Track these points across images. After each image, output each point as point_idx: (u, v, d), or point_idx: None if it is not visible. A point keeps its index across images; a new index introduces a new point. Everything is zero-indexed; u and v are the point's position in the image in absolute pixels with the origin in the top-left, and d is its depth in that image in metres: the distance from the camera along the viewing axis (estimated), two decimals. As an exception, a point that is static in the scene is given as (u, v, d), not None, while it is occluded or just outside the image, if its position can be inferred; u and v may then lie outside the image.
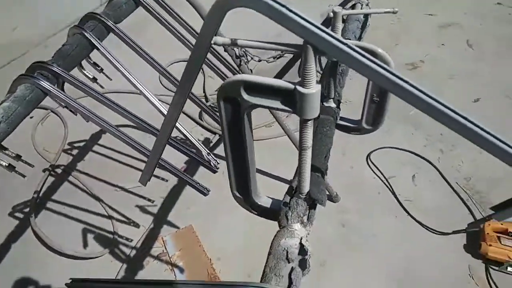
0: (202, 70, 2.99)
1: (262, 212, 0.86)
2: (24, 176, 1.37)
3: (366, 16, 1.28)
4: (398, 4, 1.35)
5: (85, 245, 2.19)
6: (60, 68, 1.10)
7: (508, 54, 3.07)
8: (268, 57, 1.78)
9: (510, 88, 2.77)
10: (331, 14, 0.92)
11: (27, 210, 2.32)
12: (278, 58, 1.74)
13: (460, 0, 3.64)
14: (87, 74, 1.45)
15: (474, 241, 2.06)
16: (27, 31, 3.91)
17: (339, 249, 2.08)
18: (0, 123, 0.95)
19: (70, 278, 0.90)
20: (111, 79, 1.56)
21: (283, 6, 0.53)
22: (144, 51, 1.40)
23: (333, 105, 0.98)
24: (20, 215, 2.32)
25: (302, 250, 0.73)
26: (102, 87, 1.54)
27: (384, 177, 2.41)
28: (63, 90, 1.33)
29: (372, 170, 2.46)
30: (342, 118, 1.00)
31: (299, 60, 0.60)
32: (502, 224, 2.06)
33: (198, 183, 1.26)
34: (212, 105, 2.87)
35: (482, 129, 0.59)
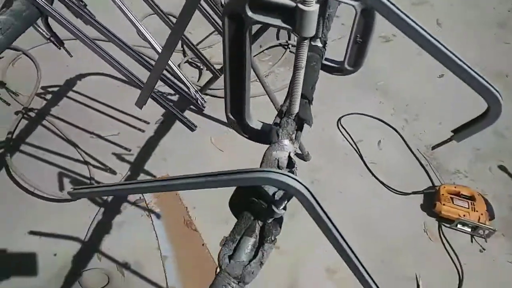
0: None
1: (253, 134, 0.95)
2: (8, 104, 1.39)
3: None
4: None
5: (61, 188, 2.21)
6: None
7: (473, 35, 3.27)
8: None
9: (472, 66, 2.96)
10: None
11: (0, 151, 2.30)
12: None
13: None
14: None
15: (430, 201, 2.26)
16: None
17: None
18: (-1, 37, 0.96)
19: (72, 188, 0.95)
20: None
21: None
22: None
23: (319, 44, 1.07)
24: (-7, 157, 2.30)
25: (290, 163, 0.83)
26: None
27: (353, 141, 2.55)
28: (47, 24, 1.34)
29: (342, 133, 2.60)
30: (326, 59, 1.09)
31: None
32: (455, 187, 2.27)
33: (186, 118, 1.32)
34: (190, 60, 2.90)
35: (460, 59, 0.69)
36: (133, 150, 2.42)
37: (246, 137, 0.97)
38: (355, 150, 2.51)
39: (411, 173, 2.42)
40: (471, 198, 2.20)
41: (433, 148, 0.99)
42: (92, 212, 2.15)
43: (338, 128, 2.63)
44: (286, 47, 3.10)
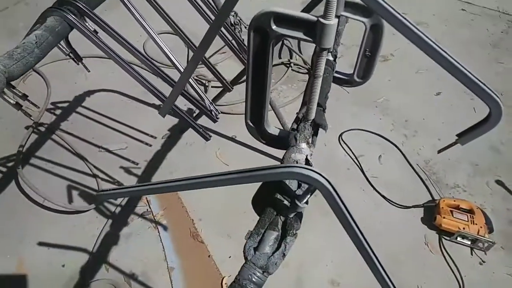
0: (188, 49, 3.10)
1: (270, 140, 1.02)
2: (30, 116, 1.45)
3: None
4: None
5: (70, 201, 2.25)
6: (85, 5, 1.19)
7: (467, 55, 3.40)
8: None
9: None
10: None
11: (11, 164, 2.34)
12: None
13: (429, 3, 3.96)
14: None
15: (430, 214, 2.32)
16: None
17: (313, 213, 2.27)
18: (34, 49, 1.04)
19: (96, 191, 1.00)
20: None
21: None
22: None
23: (331, 58, 1.15)
24: (4, 169, 2.34)
25: (308, 164, 0.89)
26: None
27: (354, 155, 2.62)
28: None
29: (343, 148, 2.67)
30: (337, 72, 1.17)
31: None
32: (454, 201, 2.33)
33: (202, 128, 1.39)
34: (195, 77, 2.99)
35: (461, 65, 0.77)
36: (141, 163, 2.47)
37: (263, 143, 1.04)
38: (357, 165, 2.58)
39: (411, 187, 2.49)
40: (470, 211, 2.25)
41: (439, 151, 1.06)
42: (100, 224, 2.19)
43: (340, 143, 2.70)
44: (288, 65, 3.20)
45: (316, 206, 2.27)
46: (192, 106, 2.61)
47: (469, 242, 2.19)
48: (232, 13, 2.05)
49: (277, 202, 0.80)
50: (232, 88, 1.65)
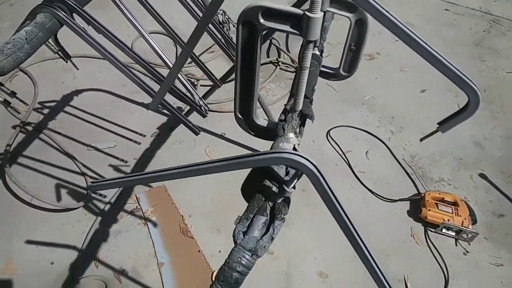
0: (176, 46, 3.12)
1: (259, 132, 1.05)
2: (19, 112, 1.45)
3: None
4: None
5: (59, 199, 2.25)
6: (74, 3, 1.21)
7: (451, 53, 3.48)
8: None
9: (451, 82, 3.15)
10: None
11: (-3, 163, 2.33)
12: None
13: (413, 3, 4.04)
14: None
15: (416, 207, 2.37)
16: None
17: (301, 208, 2.31)
18: (24, 45, 1.05)
19: (90, 181, 1.02)
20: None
21: None
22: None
23: (317, 52, 1.18)
24: (-10, 168, 2.33)
25: (295, 154, 0.92)
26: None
27: (342, 151, 2.67)
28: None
29: (331, 144, 2.71)
30: (323, 66, 1.20)
31: None
32: (439, 194, 2.39)
33: (191, 123, 1.41)
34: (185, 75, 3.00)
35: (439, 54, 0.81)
36: (130, 161, 2.48)
37: (252, 135, 1.06)
38: (344, 160, 2.62)
39: (398, 181, 2.54)
40: (455, 204, 2.31)
41: (421, 139, 1.10)
42: (89, 221, 2.19)
43: (328, 140, 2.74)
44: (276, 64, 3.24)
45: (304, 201, 2.32)
46: (181, 104, 2.64)
47: (453, 233, 2.25)
48: (221, 12, 2.07)
49: (265, 189, 0.82)
50: (221, 84, 1.67)
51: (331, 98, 3.02)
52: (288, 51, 3.28)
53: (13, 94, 1.44)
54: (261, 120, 1.03)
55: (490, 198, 2.46)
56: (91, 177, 2.37)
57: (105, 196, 2.29)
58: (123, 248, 2.11)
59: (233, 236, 0.79)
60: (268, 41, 3.33)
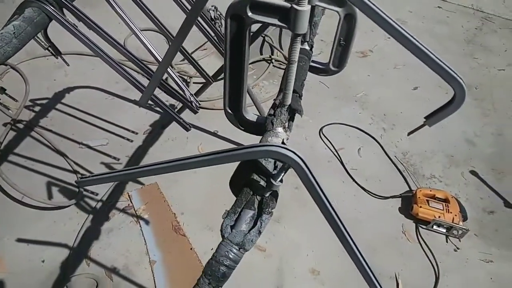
0: (168, 43, 3.10)
1: (248, 126, 1.04)
2: (8, 108, 1.44)
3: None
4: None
5: (50, 197, 2.23)
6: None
7: (443, 50, 3.50)
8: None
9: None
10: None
11: (-13, 161, 2.31)
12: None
13: (406, 1, 4.06)
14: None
15: (407, 204, 2.39)
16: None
17: (293, 206, 2.31)
18: (12, 39, 1.04)
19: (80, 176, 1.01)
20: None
21: None
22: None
23: (307, 47, 1.18)
24: (-19, 166, 2.31)
25: (283, 148, 0.92)
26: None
27: (334, 149, 2.68)
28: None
29: (324, 142, 2.72)
30: (313, 61, 1.20)
31: None
32: (430, 190, 2.40)
33: (182, 119, 1.41)
34: (178, 73, 2.99)
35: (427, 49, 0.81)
36: (122, 159, 2.47)
37: (242, 129, 1.06)
38: (337, 158, 2.63)
39: (390, 178, 2.55)
40: (445, 200, 2.33)
41: (409, 134, 1.10)
42: (80, 219, 2.18)
43: (320, 137, 2.75)
44: (269, 62, 3.24)
45: (297, 199, 2.32)
46: (174, 102, 2.63)
47: (444, 230, 2.27)
48: (212, 8, 2.07)
49: (253, 183, 0.82)
50: (213, 81, 1.67)
51: (324, 96, 3.03)
52: (281, 49, 3.28)
53: (2, 90, 1.43)
54: (250, 115, 1.03)
55: (481, 195, 2.48)
56: (83, 175, 2.34)
57: (97, 194, 2.27)
58: (115, 246, 2.10)
59: (221, 230, 0.79)
60: (261, 39, 3.33)
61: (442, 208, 2.27)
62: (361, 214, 2.34)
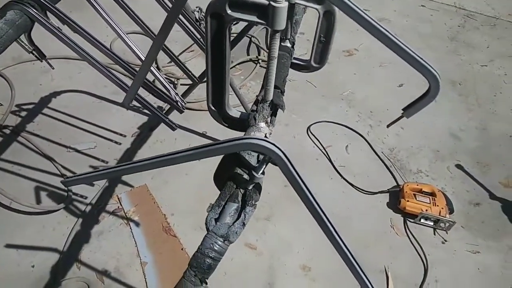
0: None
1: (232, 123, 1.06)
2: (1, 104, 1.43)
3: None
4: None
5: (39, 201, 2.22)
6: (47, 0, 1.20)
7: (427, 48, 3.56)
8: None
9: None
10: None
11: (-26, 167, 2.29)
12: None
13: (391, 0, 4.12)
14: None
15: (395, 199, 2.42)
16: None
17: (283, 204, 2.33)
18: (-7, 42, 1.04)
19: (65, 177, 1.02)
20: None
21: None
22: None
23: (289, 45, 1.20)
24: (-33, 172, 2.29)
25: (266, 142, 0.94)
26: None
27: (322, 146, 2.70)
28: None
29: (312, 140, 2.74)
30: (295, 58, 1.23)
31: None
32: (417, 185, 2.44)
33: (168, 118, 1.42)
34: (165, 75, 3.00)
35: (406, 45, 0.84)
36: (110, 162, 2.47)
37: (225, 126, 1.08)
38: (325, 155, 2.66)
39: (377, 174, 2.59)
40: (432, 194, 2.37)
41: (388, 126, 1.13)
42: (70, 223, 2.17)
43: (308, 135, 2.77)
44: (256, 62, 3.26)
45: (287, 196, 2.34)
46: (161, 104, 2.64)
47: (431, 223, 2.30)
48: (197, 9, 2.08)
49: (236, 176, 0.84)
50: (199, 81, 1.68)
51: (311, 95, 3.06)
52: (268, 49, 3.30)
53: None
54: (234, 111, 1.05)
55: (467, 188, 2.53)
56: (71, 178, 2.34)
57: (86, 197, 2.27)
58: (105, 248, 2.10)
59: (206, 223, 0.80)
60: (247, 39, 3.35)
61: (429, 202, 2.31)
62: (350, 210, 2.37)
